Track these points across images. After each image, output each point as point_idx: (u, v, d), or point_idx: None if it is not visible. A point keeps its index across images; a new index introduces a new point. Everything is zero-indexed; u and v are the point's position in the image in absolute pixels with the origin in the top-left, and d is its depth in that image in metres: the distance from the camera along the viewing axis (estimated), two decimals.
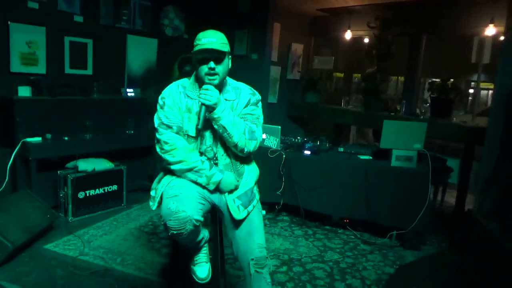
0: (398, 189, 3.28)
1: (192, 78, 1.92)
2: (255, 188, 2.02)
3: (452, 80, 4.41)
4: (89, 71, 4.16)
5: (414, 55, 5.03)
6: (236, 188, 1.89)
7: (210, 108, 1.75)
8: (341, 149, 3.79)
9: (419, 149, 3.28)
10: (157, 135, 1.88)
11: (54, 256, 2.85)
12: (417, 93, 5.14)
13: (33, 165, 3.36)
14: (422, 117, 4.39)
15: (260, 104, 1.99)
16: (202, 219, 1.77)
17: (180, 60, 5.01)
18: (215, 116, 1.76)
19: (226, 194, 1.89)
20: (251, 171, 2.02)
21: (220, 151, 1.90)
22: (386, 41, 4.69)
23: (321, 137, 3.97)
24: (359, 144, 4.39)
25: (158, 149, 1.89)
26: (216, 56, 1.77)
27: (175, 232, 1.68)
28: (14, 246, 2.67)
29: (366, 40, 5.60)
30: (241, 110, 1.92)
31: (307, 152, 3.63)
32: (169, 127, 1.85)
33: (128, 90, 4.37)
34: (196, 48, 1.77)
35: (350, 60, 6.88)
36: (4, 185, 3.28)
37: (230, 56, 1.87)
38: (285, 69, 5.51)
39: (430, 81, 4.69)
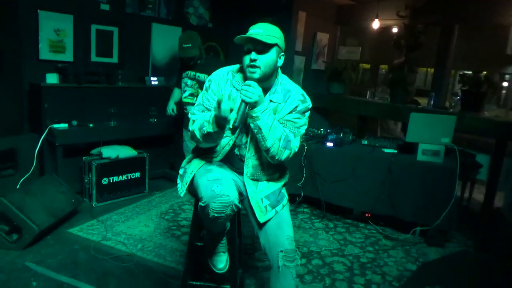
0: (423, 184, 3.17)
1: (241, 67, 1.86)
2: (284, 189, 1.98)
3: (484, 72, 4.21)
4: (114, 59, 4.22)
5: (445, 46, 4.83)
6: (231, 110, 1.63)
7: (250, 106, 1.68)
8: (365, 142, 3.70)
9: (447, 143, 3.16)
10: (190, 114, 1.86)
11: (77, 240, 2.92)
12: (447, 86, 4.94)
13: (59, 151, 3.46)
14: (451, 110, 4.22)
15: (308, 113, 1.83)
16: (240, 206, 1.75)
17: (205, 48, 4.99)
18: (253, 115, 1.69)
19: (252, 193, 1.84)
20: (283, 175, 1.99)
21: (251, 151, 1.83)
22: (416, 31, 4.52)
23: (345, 129, 3.89)
24: (384, 137, 4.28)
25: (189, 125, 1.84)
26: (259, 48, 1.68)
27: (216, 215, 1.64)
28: (40, 229, 2.75)
29: (395, 29, 5.41)
30: (285, 115, 1.80)
31: (330, 144, 3.56)
32: (207, 109, 1.81)
33: (152, 78, 4.40)
34: (238, 37, 1.69)
35: (377, 50, 6.69)
36: (31, 169, 3.38)
37: (282, 53, 1.76)
38: (310, 59, 5.41)
39: (461, 73, 4.49)
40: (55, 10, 3.66)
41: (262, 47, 1.69)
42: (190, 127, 1.82)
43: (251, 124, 1.72)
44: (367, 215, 3.53)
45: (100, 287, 2.36)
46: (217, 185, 1.66)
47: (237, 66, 1.88)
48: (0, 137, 3.17)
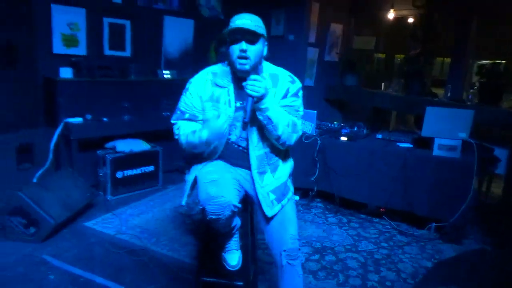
0: (440, 179, 3.12)
1: (226, 65, 1.84)
2: (289, 181, 1.95)
3: (503, 62, 4.09)
4: (127, 53, 4.21)
5: (462, 36, 4.69)
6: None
7: (256, 99, 1.66)
8: (380, 136, 3.65)
9: (464, 138, 3.09)
10: (171, 119, 1.90)
11: (93, 233, 2.97)
12: (464, 77, 4.82)
13: (75, 145, 3.49)
14: (469, 103, 4.12)
15: (300, 93, 1.84)
16: (240, 205, 1.74)
17: (216, 42, 4.97)
18: (262, 107, 1.67)
19: (259, 187, 1.82)
20: (286, 163, 1.93)
21: (254, 142, 1.80)
22: (432, 21, 4.41)
23: (359, 123, 3.84)
24: (399, 131, 4.21)
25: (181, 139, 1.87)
26: (249, 38, 1.67)
27: (214, 217, 1.66)
28: (56, 222, 2.80)
29: (410, 20, 5.29)
30: (279, 101, 1.79)
31: (344, 138, 3.52)
32: (183, 113, 1.85)
33: (164, 71, 4.40)
34: (228, 29, 1.67)
35: (392, 41, 6.55)
36: (48, 163, 3.43)
37: (266, 43, 1.75)
38: (323, 50, 5.33)
39: (479, 64, 4.37)
40: (68, 3, 3.66)
41: (252, 38, 1.67)
42: (182, 140, 1.83)
43: (259, 116, 1.70)
44: (381, 210, 3.50)
45: (115, 281, 2.39)
46: (212, 187, 1.66)
47: (217, 65, 1.86)
48: (17, 131, 3.22)
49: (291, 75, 1.85)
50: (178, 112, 1.87)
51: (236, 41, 1.67)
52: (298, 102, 1.83)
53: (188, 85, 1.85)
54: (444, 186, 3.10)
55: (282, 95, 1.79)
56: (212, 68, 1.86)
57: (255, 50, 1.68)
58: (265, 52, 1.76)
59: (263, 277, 2.47)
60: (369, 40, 5.76)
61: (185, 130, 1.82)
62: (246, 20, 1.66)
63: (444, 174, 3.11)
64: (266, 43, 1.75)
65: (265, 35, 1.73)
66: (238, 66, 1.69)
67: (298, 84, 1.83)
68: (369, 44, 5.73)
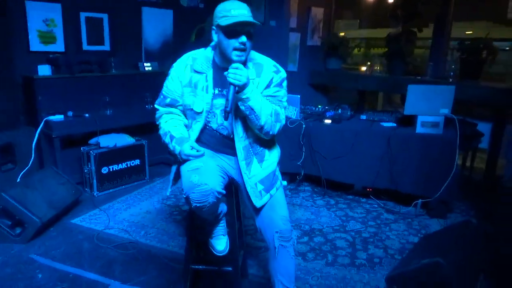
0: (424, 156, 3.15)
1: (208, 50, 1.81)
2: (277, 169, 1.93)
3: (483, 38, 4.10)
4: (106, 47, 4.15)
5: (443, 12, 4.70)
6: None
7: (238, 88, 1.63)
8: (364, 117, 3.67)
9: (446, 114, 3.11)
10: (155, 103, 1.93)
11: (80, 230, 2.95)
12: (445, 54, 4.84)
13: (57, 142, 3.45)
14: (451, 80, 4.15)
15: (285, 83, 1.82)
16: (223, 191, 1.74)
17: (197, 31, 4.92)
18: (243, 97, 1.64)
19: (246, 178, 1.81)
20: (273, 152, 1.92)
21: (239, 133, 1.79)
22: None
23: (343, 105, 3.84)
24: (383, 111, 4.23)
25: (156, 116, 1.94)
26: (248, 30, 1.64)
27: (198, 205, 1.65)
28: (42, 221, 2.77)
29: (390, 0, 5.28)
30: (262, 90, 1.77)
31: (328, 121, 3.53)
32: (165, 97, 1.87)
33: (145, 64, 4.34)
34: (228, 21, 1.60)
35: (374, 23, 6.56)
36: (30, 163, 3.38)
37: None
38: (305, 35, 5.30)
39: (459, 41, 4.39)
40: None
41: (250, 29, 1.65)
42: (157, 122, 1.92)
43: (241, 106, 1.68)
44: (368, 190, 3.53)
45: (104, 275, 2.38)
46: (195, 175, 1.65)
47: (199, 50, 1.84)
48: None
49: (276, 64, 1.82)
50: (161, 96, 1.89)
51: (236, 33, 1.62)
52: (282, 92, 1.81)
53: (170, 70, 1.86)
54: (428, 163, 3.14)
55: (265, 85, 1.77)
56: (194, 53, 1.84)
57: (252, 41, 1.67)
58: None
59: (252, 262, 2.49)
60: (352, 23, 5.77)
61: (163, 124, 1.87)
62: (243, 11, 1.62)
63: (428, 151, 3.14)
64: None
65: None
66: (235, 58, 1.65)
67: (282, 74, 1.81)
68: (352, 27, 5.74)
